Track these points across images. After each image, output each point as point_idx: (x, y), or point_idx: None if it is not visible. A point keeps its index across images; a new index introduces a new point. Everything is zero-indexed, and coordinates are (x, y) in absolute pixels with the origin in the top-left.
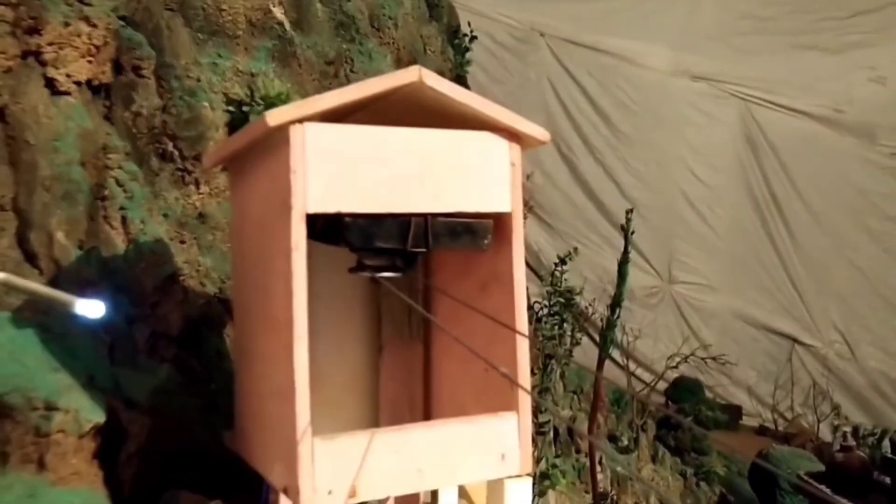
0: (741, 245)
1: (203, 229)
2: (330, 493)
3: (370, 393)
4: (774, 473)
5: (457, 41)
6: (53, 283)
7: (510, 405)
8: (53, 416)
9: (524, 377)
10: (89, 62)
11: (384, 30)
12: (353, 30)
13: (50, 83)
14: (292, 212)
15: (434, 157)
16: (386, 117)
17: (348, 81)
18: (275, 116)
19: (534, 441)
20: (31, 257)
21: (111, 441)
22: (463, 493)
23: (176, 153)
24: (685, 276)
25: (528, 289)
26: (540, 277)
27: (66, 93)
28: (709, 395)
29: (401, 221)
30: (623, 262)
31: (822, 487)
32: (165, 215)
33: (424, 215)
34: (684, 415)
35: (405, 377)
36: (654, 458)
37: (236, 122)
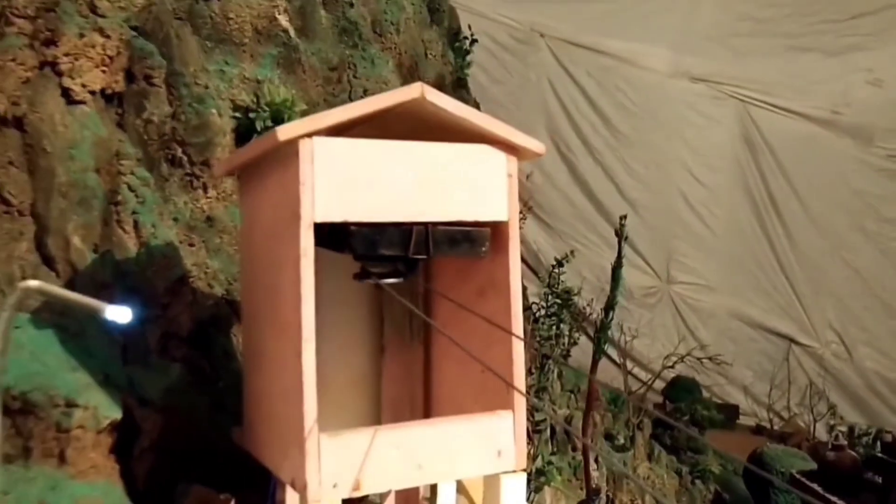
0: (739, 245)
1: (211, 232)
2: (335, 486)
3: (373, 392)
4: (768, 471)
5: (457, 44)
6: (70, 285)
7: (506, 404)
8: (73, 412)
9: (519, 378)
10: (103, 72)
11: (386, 35)
12: (356, 36)
13: (66, 93)
14: (301, 221)
15: (434, 169)
16: (389, 129)
17: (351, 87)
18: (285, 131)
19: (530, 438)
20: (48, 261)
21: (126, 437)
22: (461, 487)
23: (185, 159)
24: (683, 276)
25: (526, 289)
26: (539, 277)
27: (82, 102)
28: (706, 394)
29: (403, 230)
30: (616, 267)
31: (815, 486)
32: (175, 219)
33: (425, 224)
34: (680, 414)
35: (406, 377)
36: (649, 457)
37: (242, 129)
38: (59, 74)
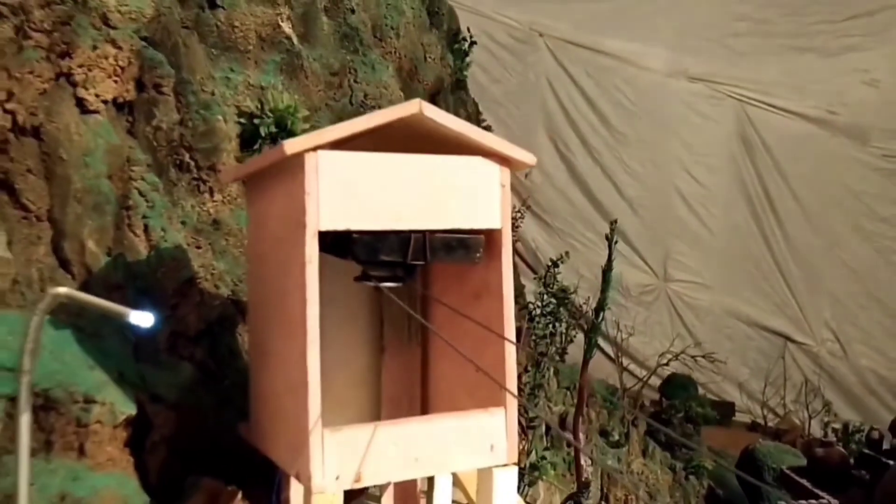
0: (736, 244)
1: (217, 235)
2: (337, 478)
3: (373, 390)
4: (760, 467)
5: (456, 46)
6: (85, 287)
7: (499, 402)
8: (92, 408)
9: (511, 378)
10: (115, 82)
11: (386, 40)
12: (357, 41)
13: (80, 102)
14: (306, 229)
15: (432, 179)
16: (390, 141)
17: (352, 92)
18: (292, 145)
19: (524, 434)
20: (64, 264)
21: (139, 431)
22: (456, 480)
23: (192, 164)
24: (680, 274)
25: (524, 287)
26: (537, 276)
27: (95, 111)
28: (702, 391)
29: (402, 237)
30: (607, 269)
31: (803, 481)
32: (183, 223)
33: (423, 232)
34: (675, 411)
35: (405, 376)
36: (644, 453)
37: (247, 134)
38: (74, 85)
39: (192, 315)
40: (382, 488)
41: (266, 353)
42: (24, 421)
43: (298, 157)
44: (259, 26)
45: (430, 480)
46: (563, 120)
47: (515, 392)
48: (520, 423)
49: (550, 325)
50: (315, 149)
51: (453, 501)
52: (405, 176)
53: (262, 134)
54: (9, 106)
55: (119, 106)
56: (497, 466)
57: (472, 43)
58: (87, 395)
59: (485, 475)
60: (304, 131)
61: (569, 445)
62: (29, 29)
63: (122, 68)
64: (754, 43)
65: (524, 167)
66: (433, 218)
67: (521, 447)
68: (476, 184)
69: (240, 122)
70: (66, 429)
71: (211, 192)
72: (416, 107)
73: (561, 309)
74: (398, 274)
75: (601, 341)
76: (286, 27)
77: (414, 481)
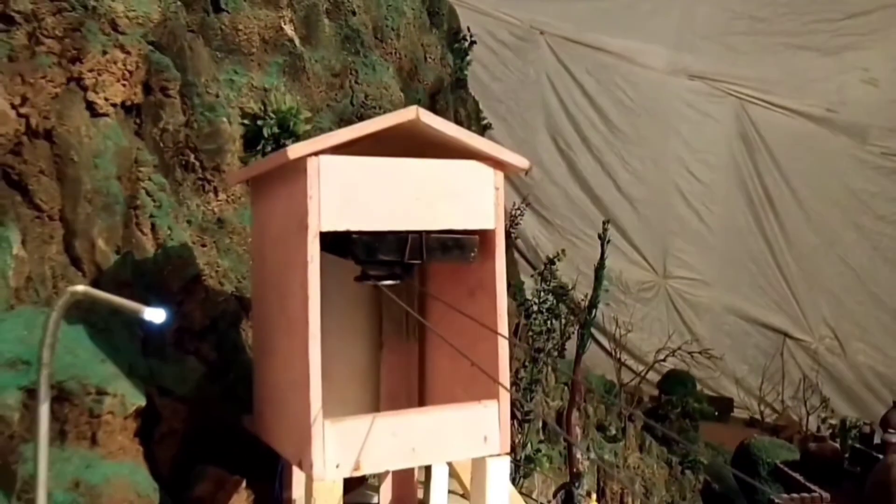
0: (735, 241)
1: (221, 234)
2: (337, 466)
3: (372, 384)
4: (755, 462)
5: (457, 45)
6: (95, 284)
7: (492, 395)
8: (104, 399)
9: (504, 372)
10: (124, 86)
11: (387, 41)
12: (358, 43)
13: (90, 106)
14: (308, 230)
15: (428, 182)
16: (388, 145)
17: (353, 92)
18: (295, 150)
19: (520, 428)
20: (75, 261)
21: (148, 422)
22: (452, 471)
23: (197, 164)
24: (679, 271)
25: (524, 283)
26: (537, 272)
27: (105, 114)
28: (701, 388)
29: (399, 237)
30: (599, 268)
31: (796, 475)
32: (189, 222)
33: (420, 232)
34: (672, 406)
35: (403, 371)
36: (641, 448)
37: (251, 135)
38: (84, 89)
39: (197, 311)
40: (381, 477)
41: (269, 349)
42: (44, 411)
43: (301, 162)
44: (262, 29)
45: (427, 470)
46: (564, 117)
47: (508, 386)
48: (515, 416)
49: (547, 322)
50: (317, 153)
51: (449, 491)
52: (403, 179)
53: (266, 135)
54: (22, 110)
55: (127, 109)
56: (490, 456)
57: (472, 42)
58: (100, 387)
59: (478, 464)
60: (306, 132)
61: (565, 439)
62: (41, 35)
63: (131, 72)
64: (754, 41)
65: (517, 171)
66: (429, 219)
67: (516, 440)
68: (471, 186)
69: (243, 124)
70: (80, 419)
71: (216, 192)
72: (414, 113)
73: (560, 305)
74: (396, 273)
75: (600, 337)
76: (289, 30)
77: (412, 471)
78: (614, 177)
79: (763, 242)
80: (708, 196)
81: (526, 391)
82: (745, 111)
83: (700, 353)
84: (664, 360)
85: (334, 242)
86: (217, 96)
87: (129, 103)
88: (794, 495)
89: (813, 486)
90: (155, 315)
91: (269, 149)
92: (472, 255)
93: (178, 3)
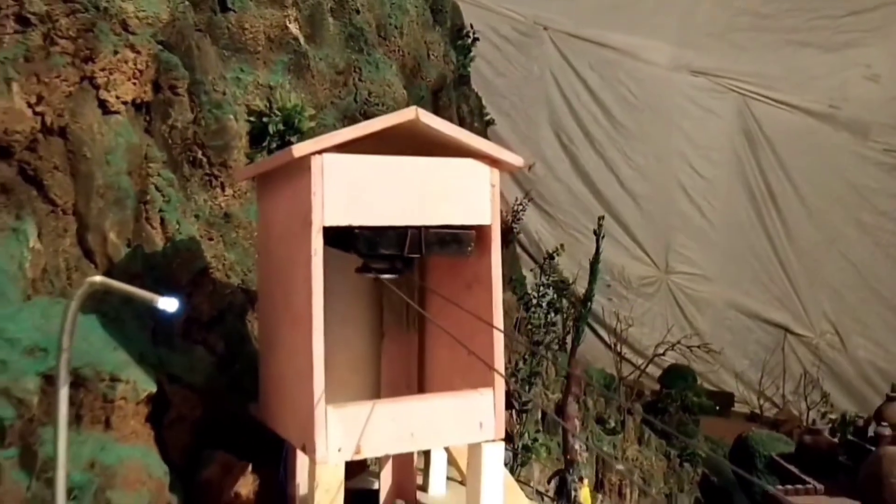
0: (737, 237)
1: (228, 228)
2: (339, 450)
3: (373, 373)
4: (752, 454)
5: (460, 42)
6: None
7: (488, 383)
8: (117, 385)
9: (499, 360)
10: (134, 84)
11: (390, 38)
12: (362, 41)
13: (102, 104)
14: (312, 225)
15: (427, 180)
16: (389, 143)
17: (356, 90)
18: (299, 149)
19: (519, 418)
20: (88, 254)
21: (158, 408)
22: (450, 457)
23: (205, 160)
24: (681, 266)
25: (525, 278)
26: (539, 266)
27: (116, 112)
28: (702, 382)
29: (399, 232)
30: (594, 263)
31: (791, 467)
32: (197, 216)
33: (419, 227)
34: (671, 400)
35: (403, 360)
36: (640, 440)
37: (256, 132)
38: (97, 88)
39: (204, 303)
40: (381, 464)
41: (274, 339)
42: (63, 394)
43: (305, 160)
44: (268, 28)
45: (426, 457)
46: (567, 113)
47: (503, 374)
48: (513, 407)
49: (547, 315)
50: (320, 152)
51: (447, 478)
52: (403, 177)
53: (271, 131)
54: (38, 108)
55: (137, 106)
56: (486, 442)
57: (475, 39)
58: (113, 373)
59: (474, 450)
60: (311, 129)
61: (561, 427)
62: (56, 36)
63: (141, 71)
64: (756, 38)
65: (513, 169)
66: (428, 215)
67: (514, 430)
68: (468, 184)
69: (249, 121)
70: (94, 404)
71: (222, 187)
72: (413, 113)
73: (563, 300)
74: (396, 266)
75: (601, 331)
76: (293, 28)
77: (411, 458)
78: (617, 172)
79: (765, 238)
80: (710, 191)
81: (524, 382)
82: (748, 107)
83: (699, 347)
84: (663, 355)
85: (337, 237)
86: (224, 94)
87: (139, 101)
88: (789, 486)
89: (807, 478)
90: (168, 304)
91: (274, 145)
92: (469, 249)
93: (186, 2)
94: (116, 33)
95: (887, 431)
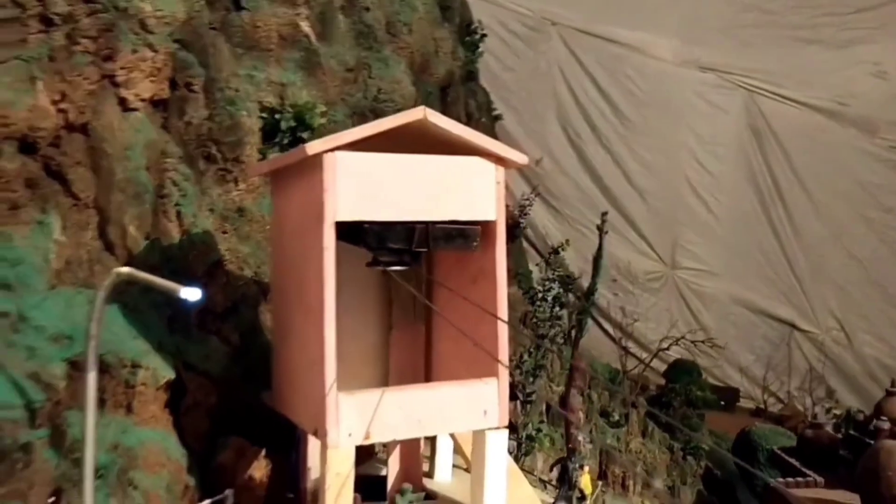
0: (743, 232)
1: (241, 222)
2: (350, 435)
3: (382, 363)
4: (754, 448)
5: (468, 38)
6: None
7: (492, 373)
8: (138, 372)
9: (503, 352)
10: (152, 82)
11: (399, 36)
12: (372, 38)
13: (122, 101)
14: (325, 220)
15: (434, 177)
16: (398, 141)
17: (366, 87)
18: (312, 147)
19: (523, 409)
20: (109, 247)
21: (176, 395)
22: (456, 446)
23: (219, 156)
24: (687, 261)
25: (532, 273)
26: (545, 260)
27: (135, 109)
28: (706, 377)
29: (408, 227)
30: (597, 258)
31: (792, 460)
32: (211, 210)
33: (426, 223)
34: (675, 394)
35: (410, 350)
36: (643, 433)
37: (268, 128)
38: (117, 86)
39: (219, 294)
40: (389, 451)
41: (288, 329)
42: (91, 378)
43: (318, 157)
44: (280, 26)
45: (433, 445)
46: (574, 108)
47: (507, 364)
48: (517, 398)
49: (552, 309)
50: (333, 150)
51: (453, 466)
52: (411, 174)
53: (283, 128)
54: (61, 106)
55: (155, 104)
56: (489, 429)
57: (483, 35)
58: (134, 360)
59: (479, 437)
60: (321, 125)
61: (563, 418)
62: (77, 36)
63: (158, 69)
64: (763, 34)
65: (518, 166)
66: (435, 210)
67: (518, 421)
68: (474, 181)
69: (262, 117)
70: (117, 389)
71: (236, 182)
72: (421, 113)
73: (569, 294)
74: (404, 260)
75: (607, 326)
76: (305, 26)
77: (418, 446)
78: (624, 167)
79: (771, 234)
80: (717, 187)
81: (528, 374)
82: (755, 103)
83: (703, 342)
84: (667, 349)
85: (348, 231)
86: (237, 91)
87: (156, 98)
88: (790, 479)
89: (808, 471)
90: (191, 293)
91: (286, 141)
92: (475, 244)
93: (202, 1)
94: (135, 33)
95: (886, 425)
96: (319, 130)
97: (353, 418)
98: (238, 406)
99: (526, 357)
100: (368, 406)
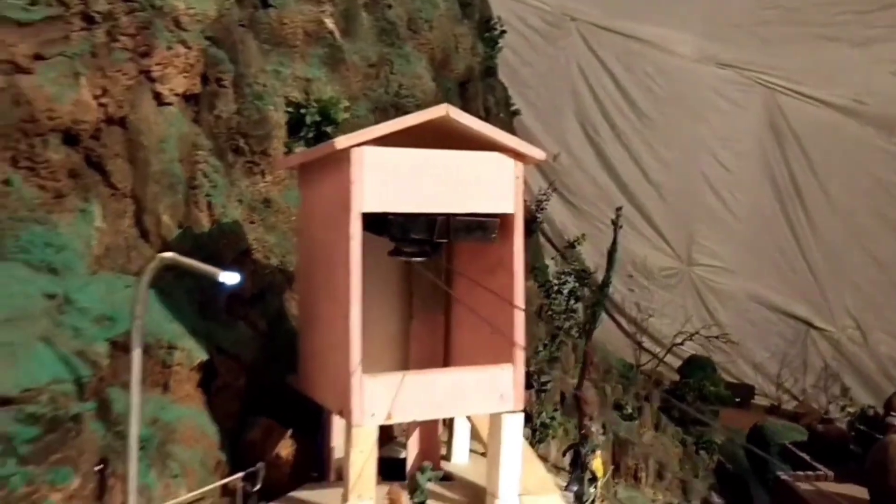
0: (760, 230)
1: (268, 212)
2: (373, 415)
3: (402, 351)
4: (767, 443)
5: (487, 34)
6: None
7: (509, 359)
8: (174, 353)
9: (519, 338)
10: (185, 77)
11: (421, 32)
12: (394, 35)
13: (157, 96)
14: (352, 211)
15: (456, 171)
16: (421, 136)
17: (388, 82)
18: (341, 142)
19: (537, 398)
20: (144, 234)
21: (207, 376)
22: (474, 431)
23: (247, 148)
24: (704, 258)
25: (548, 266)
26: (562, 255)
27: (169, 104)
28: (721, 373)
29: (429, 219)
30: (612, 251)
31: (803, 454)
32: (240, 201)
33: (447, 215)
34: (689, 389)
35: (430, 338)
36: (657, 427)
37: (294, 122)
38: (152, 81)
39: (247, 281)
40: (408, 434)
41: (314, 315)
42: (137, 354)
43: (346, 152)
44: (305, 23)
45: (450, 429)
46: (593, 103)
47: (523, 350)
48: (532, 387)
49: (567, 302)
50: (360, 145)
51: (470, 451)
52: (434, 168)
53: (308, 122)
54: (102, 100)
55: (187, 98)
56: (505, 412)
57: (503, 31)
58: (171, 342)
59: (495, 420)
60: (345, 119)
61: (576, 405)
62: (117, 33)
63: (191, 65)
64: (783, 31)
65: (536, 162)
66: (456, 203)
67: (532, 409)
68: (493, 175)
69: (288, 111)
70: (155, 368)
71: (263, 174)
72: (444, 110)
73: (584, 289)
74: (426, 250)
75: (622, 320)
76: (329, 23)
77: (436, 429)
78: (641, 164)
79: (788, 231)
80: (734, 184)
81: (542, 364)
82: (775, 100)
83: (717, 337)
84: (681, 344)
85: (372, 223)
86: (265, 86)
87: (188, 93)
88: (800, 473)
89: (818, 465)
90: (230, 277)
91: (311, 135)
92: (494, 235)
93: None
94: (170, 30)
95: None
96: (343, 125)
97: (377, 399)
98: (266, 388)
99: (541, 349)
100: (391, 388)
